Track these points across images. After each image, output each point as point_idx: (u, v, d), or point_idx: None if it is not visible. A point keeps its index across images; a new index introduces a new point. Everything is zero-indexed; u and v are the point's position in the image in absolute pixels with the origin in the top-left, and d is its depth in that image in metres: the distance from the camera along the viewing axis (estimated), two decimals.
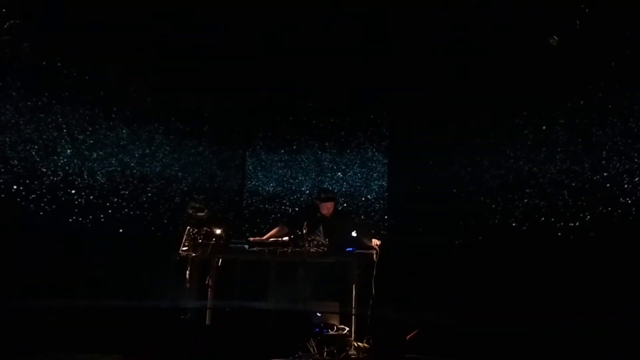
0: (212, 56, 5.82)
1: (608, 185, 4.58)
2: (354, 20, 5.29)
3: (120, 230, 5.60)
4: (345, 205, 6.50)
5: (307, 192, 6.69)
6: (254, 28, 5.42)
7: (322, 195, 5.24)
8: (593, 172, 4.70)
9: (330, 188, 6.39)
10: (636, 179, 4.41)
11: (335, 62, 5.82)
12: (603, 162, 4.64)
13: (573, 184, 4.84)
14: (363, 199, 6.62)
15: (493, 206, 5.46)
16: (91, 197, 5.50)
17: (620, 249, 4.25)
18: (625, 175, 4.49)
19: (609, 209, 4.53)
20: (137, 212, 5.82)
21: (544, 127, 5.12)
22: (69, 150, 5.35)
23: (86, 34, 5.09)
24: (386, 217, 6.49)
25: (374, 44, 5.60)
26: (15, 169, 5.01)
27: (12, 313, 3.95)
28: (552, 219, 4.96)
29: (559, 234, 4.85)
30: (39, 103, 5.19)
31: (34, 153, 5.13)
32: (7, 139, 4.92)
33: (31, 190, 5.11)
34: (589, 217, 4.68)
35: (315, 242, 4.71)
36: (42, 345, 3.77)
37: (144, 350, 3.81)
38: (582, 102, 4.81)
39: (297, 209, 6.53)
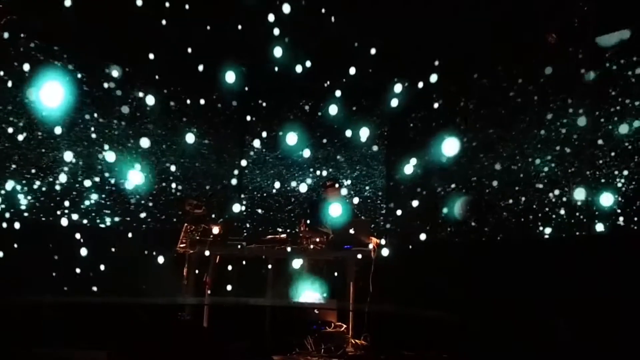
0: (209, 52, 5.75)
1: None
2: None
3: (105, 224, 5.56)
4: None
5: (305, 188, 6.65)
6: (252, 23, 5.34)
7: (327, 182, 5.42)
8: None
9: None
10: None
11: (334, 58, 5.75)
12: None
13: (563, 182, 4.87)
14: (362, 195, 6.59)
15: (496, 202, 5.44)
16: (85, 192, 5.46)
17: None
18: None
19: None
20: (133, 208, 5.78)
21: (547, 125, 5.09)
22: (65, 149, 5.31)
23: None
24: (384, 212, 6.47)
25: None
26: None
27: (5, 308, 3.93)
28: (555, 217, 4.95)
29: (563, 235, 4.85)
30: None
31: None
32: None
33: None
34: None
35: (315, 239, 4.72)
36: (36, 340, 3.75)
37: (141, 346, 3.79)
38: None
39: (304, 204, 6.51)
